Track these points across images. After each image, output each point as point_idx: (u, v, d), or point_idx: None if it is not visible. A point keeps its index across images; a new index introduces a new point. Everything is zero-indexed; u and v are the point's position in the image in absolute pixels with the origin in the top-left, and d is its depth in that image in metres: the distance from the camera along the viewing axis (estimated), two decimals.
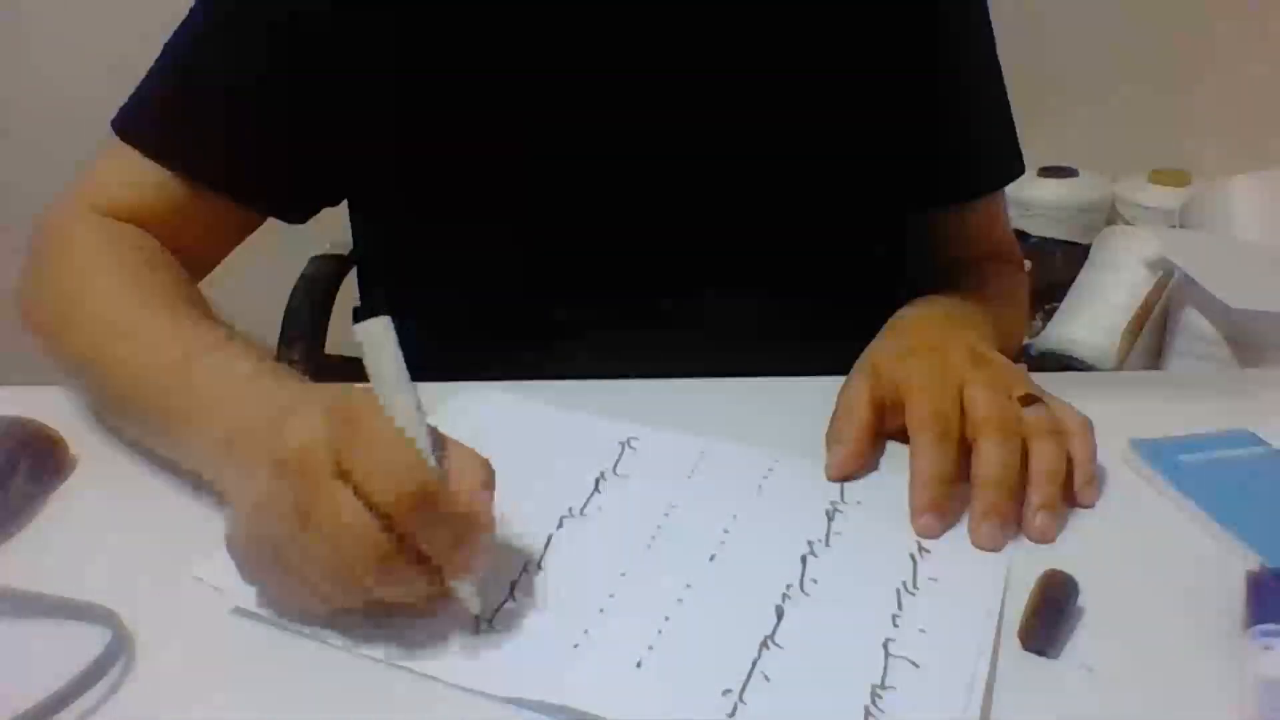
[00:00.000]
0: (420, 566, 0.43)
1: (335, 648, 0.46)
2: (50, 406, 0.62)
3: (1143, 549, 0.54)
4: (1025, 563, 0.52)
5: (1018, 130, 0.84)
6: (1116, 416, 0.59)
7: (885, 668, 0.45)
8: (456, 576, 0.45)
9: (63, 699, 0.42)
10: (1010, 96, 0.83)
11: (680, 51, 0.70)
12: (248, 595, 0.48)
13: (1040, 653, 0.46)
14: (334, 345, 1.01)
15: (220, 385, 0.53)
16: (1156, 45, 1.84)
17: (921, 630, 0.47)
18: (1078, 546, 0.54)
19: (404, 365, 0.45)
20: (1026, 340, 1.64)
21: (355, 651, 0.46)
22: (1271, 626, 0.44)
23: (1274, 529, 0.53)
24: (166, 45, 0.71)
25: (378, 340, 0.45)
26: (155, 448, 0.58)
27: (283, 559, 0.44)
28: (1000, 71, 0.82)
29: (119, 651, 0.45)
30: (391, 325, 0.45)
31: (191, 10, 0.71)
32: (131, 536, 0.54)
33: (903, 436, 0.60)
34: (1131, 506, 0.57)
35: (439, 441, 0.46)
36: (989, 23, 0.80)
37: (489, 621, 0.47)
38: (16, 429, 0.59)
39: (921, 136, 0.77)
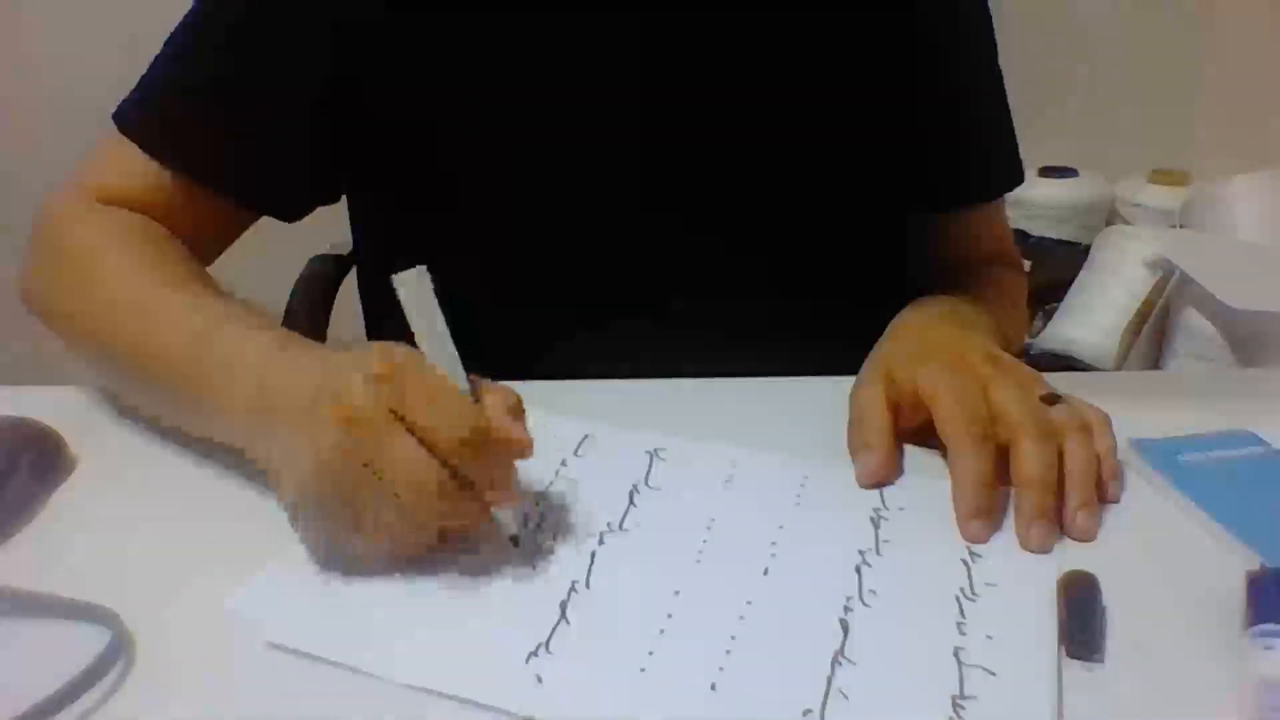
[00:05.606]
0: (473, 495, 0.49)
1: (401, 686, 0.44)
2: (50, 406, 0.62)
3: (1143, 549, 0.54)
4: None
5: (1017, 130, 0.84)
6: (1116, 416, 0.59)
7: (961, 677, 0.44)
8: (499, 502, 0.50)
9: (63, 699, 0.42)
10: (1010, 96, 0.83)
11: (687, 56, 0.71)
12: (283, 628, 0.47)
13: (1086, 659, 0.46)
14: (334, 345, 1.00)
15: (246, 350, 0.55)
16: (1157, 45, 1.84)
17: (989, 637, 0.47)
18: (1078, 547, 0.54)
19: (439, 312, 0.49)
20: (1026, 340, 1.64)
21: (416, 686, 0.44)
22: (1271, 626, 0.43)
23: (1274, 529, 0.53)
24: (168, 39, 0.71)
25: (414, 290, 0.49)
26: (178, 421, 0.59)
27: (355, 506, 0.48)
28: (1002, 80, 0.82)
29: (119, 651, 0.45)
30: (427, 274, 0.49)
31: (193, 5, 0.71)
32: (131, 536, 0.54)
33: (918, 439, 0.61)
34: (1132, 506, 0.57)
35: (473, 380, 0.51)
36: (991, 30, 0.80)
37: (520, 543, 0.51)
38: (17, 429, 0.59)
39: (924, 142, 0.77)
